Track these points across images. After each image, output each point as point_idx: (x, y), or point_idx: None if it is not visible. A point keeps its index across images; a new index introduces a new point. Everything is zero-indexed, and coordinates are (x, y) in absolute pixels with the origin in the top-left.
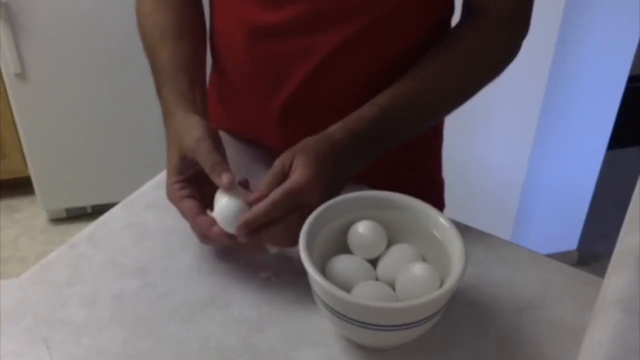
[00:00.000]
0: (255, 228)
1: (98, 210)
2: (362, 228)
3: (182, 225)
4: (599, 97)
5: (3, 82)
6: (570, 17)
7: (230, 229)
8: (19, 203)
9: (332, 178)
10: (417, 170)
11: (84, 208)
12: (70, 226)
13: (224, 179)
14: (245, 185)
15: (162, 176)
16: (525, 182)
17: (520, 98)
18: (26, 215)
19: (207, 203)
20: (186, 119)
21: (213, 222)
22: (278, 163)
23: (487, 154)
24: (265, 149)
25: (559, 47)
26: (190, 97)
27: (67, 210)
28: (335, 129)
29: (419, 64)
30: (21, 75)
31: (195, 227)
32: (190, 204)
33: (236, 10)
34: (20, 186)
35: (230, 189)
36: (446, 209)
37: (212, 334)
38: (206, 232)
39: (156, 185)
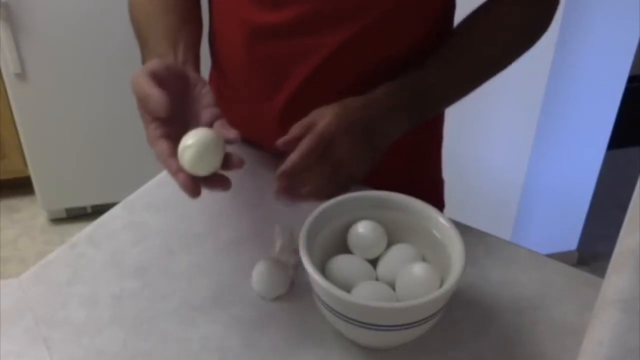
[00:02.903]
0: (292, 177)
1: (98, 210)
2: (362, 228)
3: (182, 225)
4: (599, 97)
5: (3, 82)
6: (570, 17)
7: (197, 169)
8: (19, 203)
9: (364, 131)
10: (417, 170)
11: (84, 208)
12: (70, 226)
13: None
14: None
15: (162, 176)
16: (525, 182)
17: (520, 98)
18: (26, 215)
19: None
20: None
21: (180, 167)
22: (311, 114)
23: (487, 154)
24: (265, 150)
25: (559, 47)
26: (169, 56)
27: (67, 210)
28: (371, 92)
29: (454, 34)
30: (21, 75)
31: (169, 170)
32: (163, 145)
33: (236, 11)
34: (20, 186)
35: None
36: (446, 209)
37: (212, 334)
38: (173, 177)
39: (156, 185)
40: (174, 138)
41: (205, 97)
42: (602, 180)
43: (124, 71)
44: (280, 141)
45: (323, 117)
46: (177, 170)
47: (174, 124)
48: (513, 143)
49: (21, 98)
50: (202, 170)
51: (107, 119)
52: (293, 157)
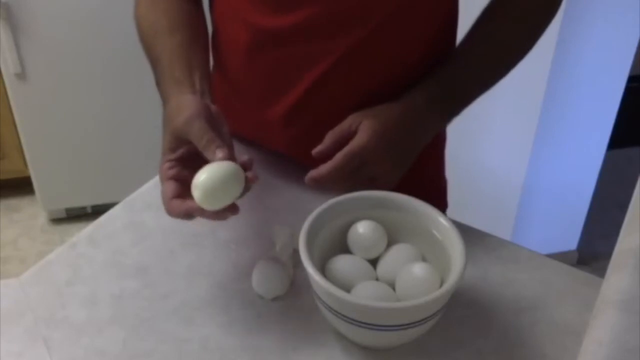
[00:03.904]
0: (322, 183)
1: (98, 210)
2: (362, 228)
3: (182, 225)
4: (599, 97)
5: (3, 82)
6: (570, 16)
7: (207, 204)
8: (19, 203)
9: (401, 148)
10: (421, 170)
11: (84, 208)
12: (70, 226)
13: (218, 154)
14: (248, 165)
15: None
16: (525, 183)
17: (520, 98)
18: (26, 215)
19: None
20: (178, 101)
21: (182, 203)
22: (347, 120)
23: (487, 154)
24: (267, 150)
25: (559, 47)
26: (186, 81)
27: (67, 210)
28: (409, 97)
29: (474, 28)
30: (21, 75)
31: (169, 212)
32: (169, 185)
33: (240, 15)
34: (20, 186)
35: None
36: (447, 209)
37: (212, 334)
38: (177, 214)
39: (156, 185)
40: (184, 180)
41: (224, 137)
42: (602, 180)
43: (124, 71)
44: (314, 151)
45: (360, 133)
46: (178, 213)
47: (188, 167)
48: (513, 143)
49: (21, 98)
50: (212, 206)
51: (107, 119)
52: (323, 169)
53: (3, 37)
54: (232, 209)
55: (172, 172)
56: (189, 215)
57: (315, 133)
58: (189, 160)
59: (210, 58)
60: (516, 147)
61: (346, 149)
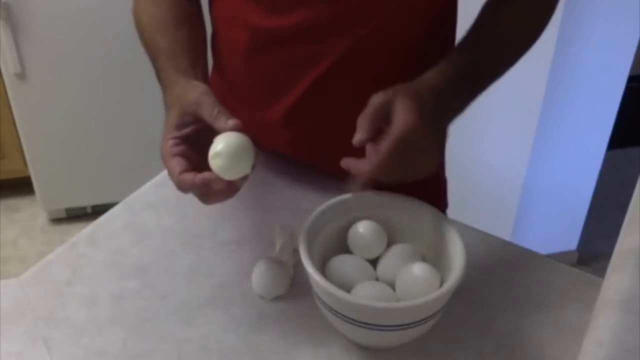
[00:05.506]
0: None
1: (98, 210)
2: (362, 228)
3: (182, 225)
4: (599, 97)
5: (3, 82)
6: (570, 17)
7: (227, 173)
8: (19, 203)
9: (434, 120)
10: None
11: (84, 208)
12: (70, 226)
13: (230, 122)
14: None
15: (162, 176)
16: (525, 182)
17: (520, 98)
18: (26, 215)
19: (200, 165)
20: (188, 84)
21: (195, 175)
22: (379, 100)
23: (487, 154)
24: (266, 150)
25: (559, 47)
26: (191, 72)
27: (67, 210)
28: (429, 75)
29: (478, 22)
30: (21, 75)
31: (180, 186)
32: (176, 161)
33: (240, 16)
34: (20, 186)
35: (237, 130)
36: (447, 209)
37: (212, 334)
38: (191, 186)
39: (156, 185)
40: (189, 159)
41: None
42: (602, 180)
43: (124, 71)
44: (356, 141)
45: (396, 112)
46: (193, 185)
47: (192, 147)
48: (513, 143)
49: (21, 98)
50: (231, 175)
51: (107, 119)
52: (369, 167)
53: (3, 37)
54: (245, 179)
55: (177, 149)
56: (205, 186)
57: (315, 133)
58: (193, 142)
59: (209, 58)
60: (516, 147)
61: (393, 139)
